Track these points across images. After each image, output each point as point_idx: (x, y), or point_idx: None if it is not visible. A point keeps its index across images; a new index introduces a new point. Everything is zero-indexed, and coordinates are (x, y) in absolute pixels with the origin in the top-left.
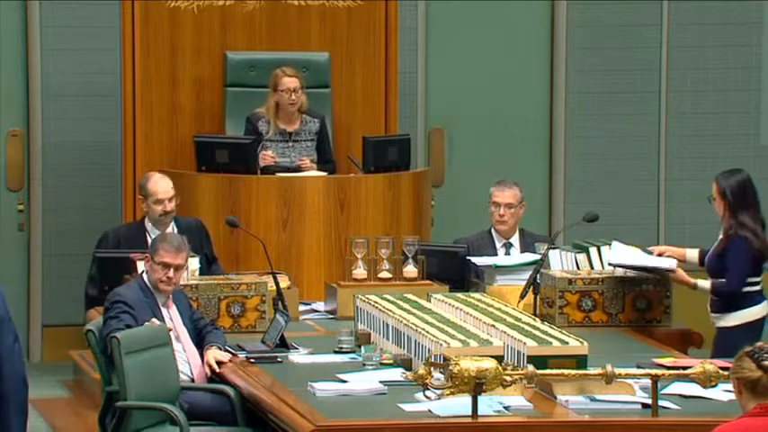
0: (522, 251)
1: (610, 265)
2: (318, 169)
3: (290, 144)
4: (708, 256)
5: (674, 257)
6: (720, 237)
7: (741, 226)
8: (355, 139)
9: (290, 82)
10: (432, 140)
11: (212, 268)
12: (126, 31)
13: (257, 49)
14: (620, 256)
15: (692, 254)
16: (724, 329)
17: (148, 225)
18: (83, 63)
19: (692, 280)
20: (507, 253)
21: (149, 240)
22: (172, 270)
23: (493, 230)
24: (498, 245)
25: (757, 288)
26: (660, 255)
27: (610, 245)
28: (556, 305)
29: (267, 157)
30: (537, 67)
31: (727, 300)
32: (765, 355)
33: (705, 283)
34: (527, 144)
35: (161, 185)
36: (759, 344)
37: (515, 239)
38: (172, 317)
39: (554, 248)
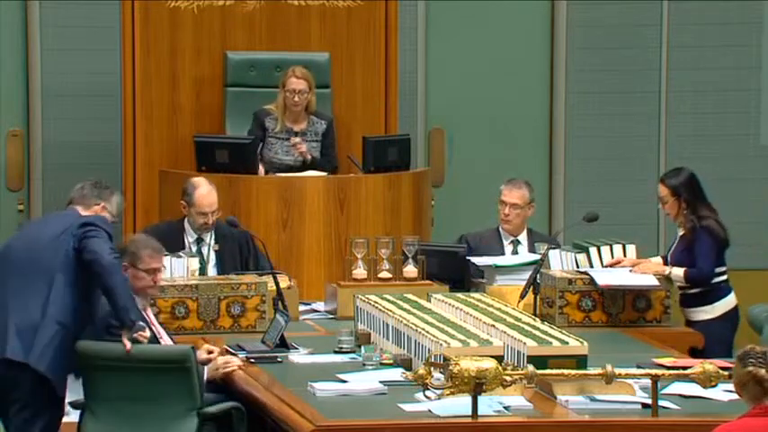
0: (530, 250)
1: (601, 287)
2: (318, 169)
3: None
4: (671, 255)
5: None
6: (680, 235)
7: (703, 218)
8: (355, 139)
9: (296, 83)
10: (432, 140)
11: None
12: (126, 31)
13: (257, 49)
14: (606, 277)
15: (657, 261)
16: (709, 321)
17: (187, 227)
18: (83, 63)
19: (666, 269)
20: (515, 250)
21: (186, 241)
22: (158, 274)
23: (500, 228)
24: (506, 242)
25: (725, 277)
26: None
27: (610, 245)
28: (556, 305)
29: (300, 147)
30: (537, 67)
31: (700, 287)
32: (751, 360)
33: (678, 271)
34: (527, 144)
35: (207, 199)
36: (749, 346)
37: (523, 237)
38: (151, 319)
39: (554, 248)
